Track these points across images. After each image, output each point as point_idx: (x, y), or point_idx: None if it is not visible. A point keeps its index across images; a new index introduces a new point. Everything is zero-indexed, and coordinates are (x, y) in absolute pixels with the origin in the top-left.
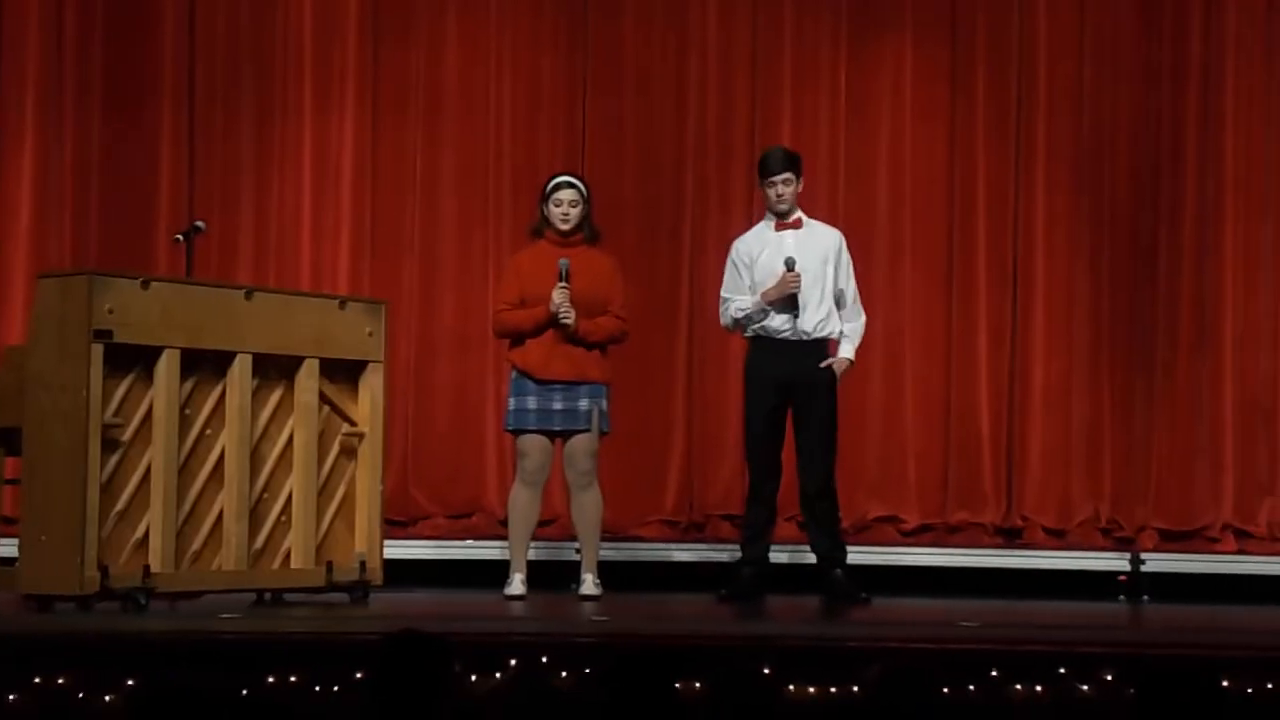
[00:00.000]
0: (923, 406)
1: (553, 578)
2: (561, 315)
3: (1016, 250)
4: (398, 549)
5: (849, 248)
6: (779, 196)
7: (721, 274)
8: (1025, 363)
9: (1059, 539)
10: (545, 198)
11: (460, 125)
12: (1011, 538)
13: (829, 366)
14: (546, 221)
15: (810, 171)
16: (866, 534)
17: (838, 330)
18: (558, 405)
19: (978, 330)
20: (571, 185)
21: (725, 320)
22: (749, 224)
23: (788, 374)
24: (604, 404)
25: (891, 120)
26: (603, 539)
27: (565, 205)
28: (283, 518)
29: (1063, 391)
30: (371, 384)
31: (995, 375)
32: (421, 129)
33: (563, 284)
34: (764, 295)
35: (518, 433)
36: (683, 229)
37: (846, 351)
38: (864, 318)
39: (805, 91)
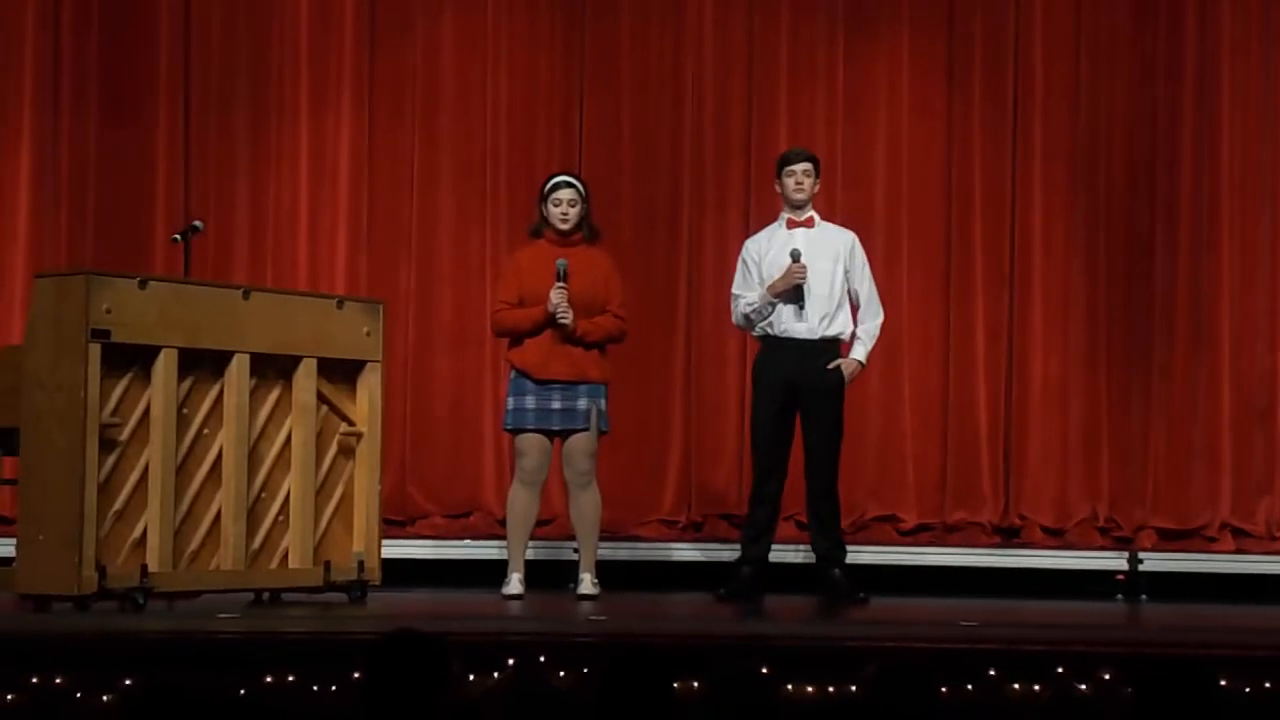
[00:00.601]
0: (921, 405)
1: (551, 577)
2: (559, 315)
3: (1014, 248)
4: (396, 548)
5: (864, 249)
6: (798, 185)
7: (719, 272)
8: (1023, 361)
9: (1057, 538)
10: (544, 197)
11: (457, 124)
12: (1009, 537)
13: (837, 368)
14: (546, 221)
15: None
16: (865, 533)
17: (848, 331)
18: (556, 405)
19: (975, 329)
20: (570, 185)
21: (736, 317)
22: (746, 222)
23: (795, 375)
24: (603, 403)
25: (888, 117)
26: (601, 538)
27: (564, 205)
28: (280, 517)
29: (1060, 390)
30: (369, 383)
31: (993, 374)
32: (418, 128)
33: (561, 284)
34: (770, 287)
35: (516, 432)
36: (680, 228)
37: (858, 353)
38: (881, 318)
39: (802, 89)
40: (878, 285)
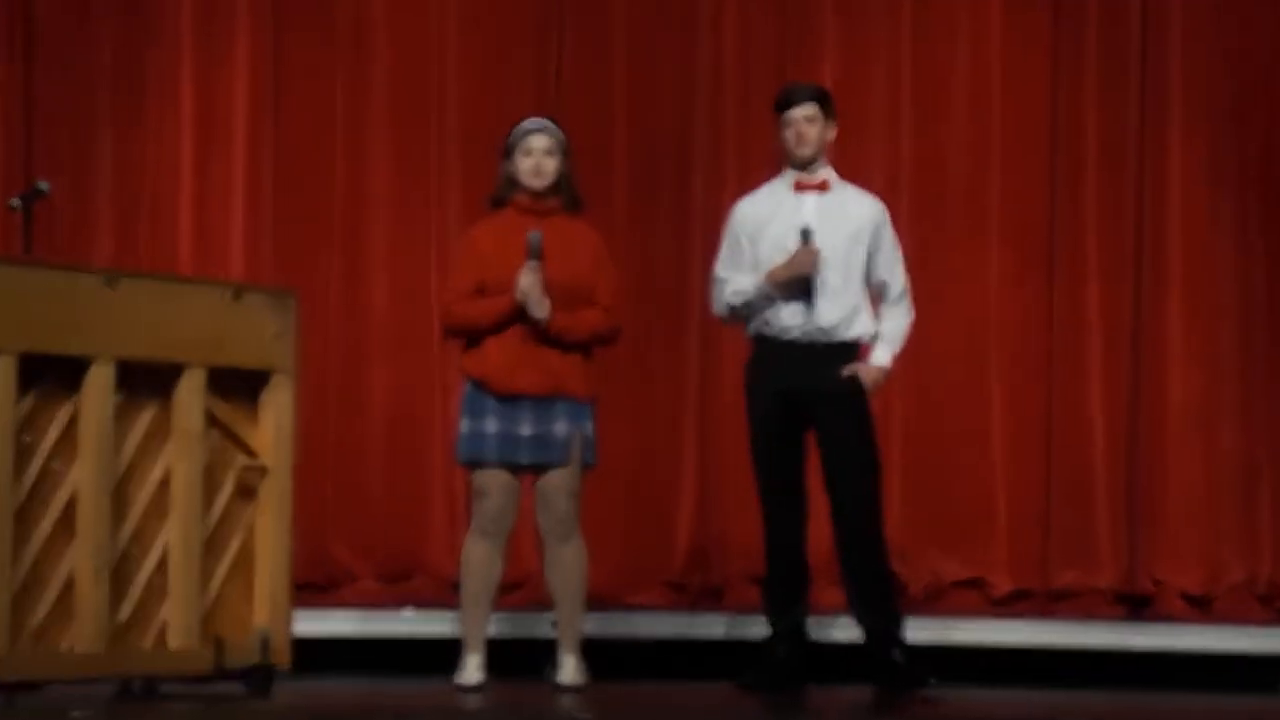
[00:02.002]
0: (1015, 431)
1: (521, 661)
2: (531, 305)
3: (1141, 222)
4: (312, 622)
5: (894, 225)
6: (799, 137)
7: None
8: (1154, 373)
9: (1202, 610)
10: (509, 151)
11: (395, 56)
12: (1137, 607)
13: (854, 374)
14: (512, 183)
15: (860, 120)
16: (942, 602)
17: (868, 332)
18: (526, 430)
19: (1089, 329)
20: (544, 131)
21: (718, 307)
22: None
23: (799, 386)
24: (588, 427)
25: (972, 47)
26: (588, 608)
27: (538, 155)
28: (156, 580)
29: (1205, 413)
30: (277, 402)
31: (1112, 390)
32: (342, 59)
33: (533, 263)
34: (770, 276)
35: (472, 465)
36: (690, 198)
37: (881, 357)
38: (911, 317)
39: (853, 11)
40: (956, 273)
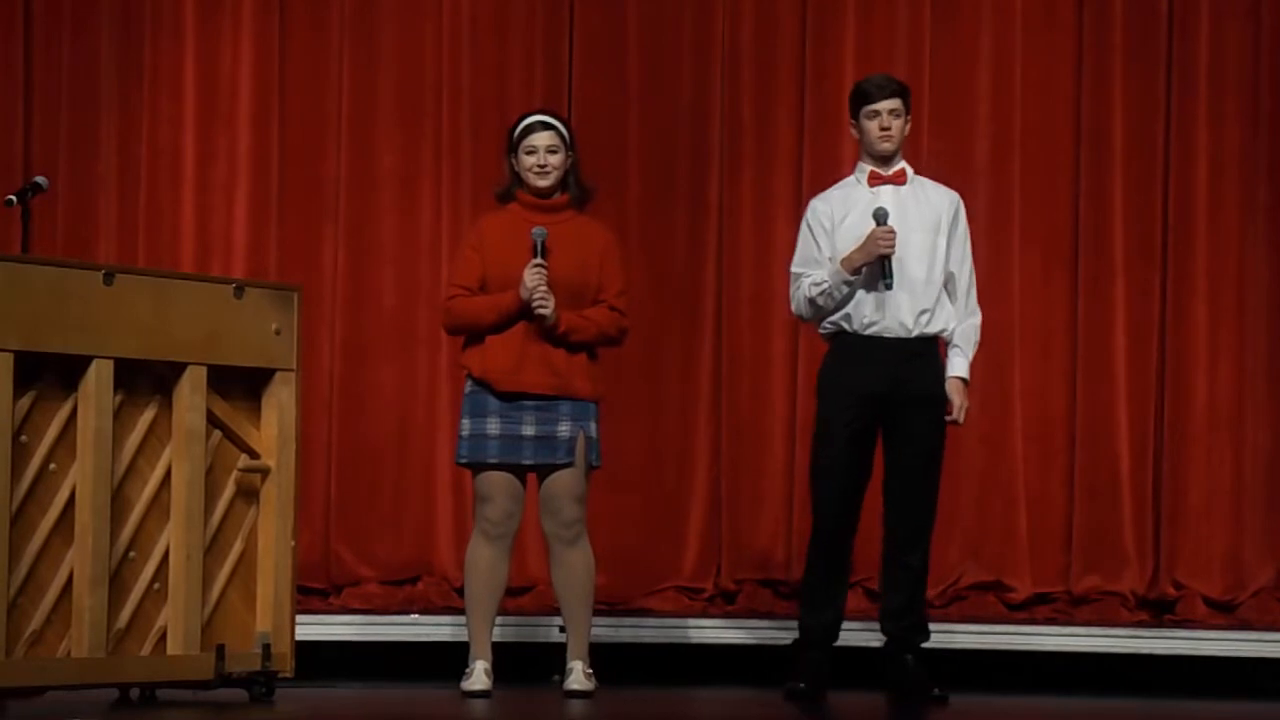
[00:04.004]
0: (1039, 432)
1: (528, 666)
2: (536, 303)
3: (1168, 215)
4: (315, 627)
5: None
6: (884, 131)
7: (761, 249)
8: (1180, 373)
9: (1227, 614)
10: (513, 147)
11: (401, 45)
12: (1161, 612)
13: (950, 410)
14: (518, 179)
15: None
16: (961, 606)
17: (951, 327)
18: (529, 430)
19: (1114, 327)
20: (548, 125)
21: (797, 303)
22: (798, 181)
23: (879, 385)
24: (593, 428)
25: (995, 31)
26: (597, 612)
27: (542, 153)
28: (156, 585)
29: (1233, 412)
30: (280, 400)
31: (1139, 389)
32: (348, 47)
33: (538, 260)
34: (846, 261)
35: (474, 467)
36: (708, 189)
37: (959, 368)
38: (979, 315)
39: (874, 1)
40: (980, 267)
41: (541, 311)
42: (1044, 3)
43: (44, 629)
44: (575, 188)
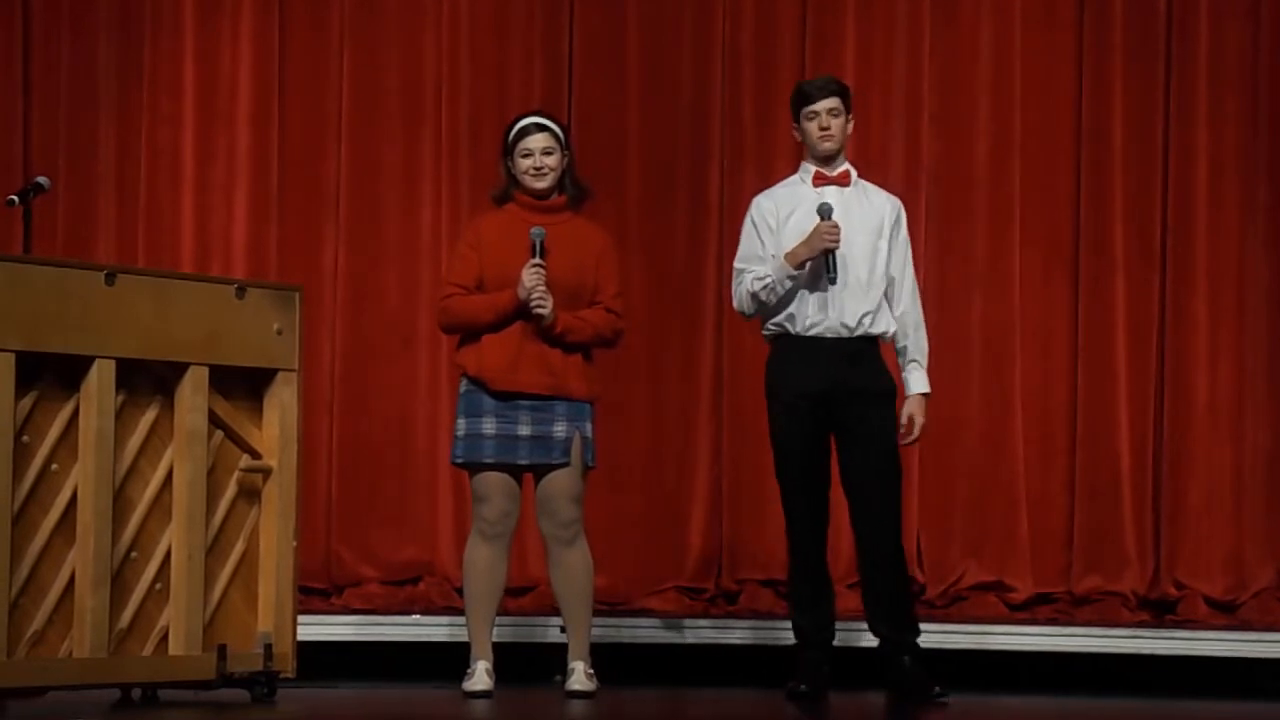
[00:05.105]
0: (1039, 432)
1: (530, 667)
2: (534, 303)
3: (1167, 213)
4: (317, 627)
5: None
6: (824, 131)
7: None
8: (1181, 372)
9: (1228, 614)
10: (509, 150)
11: (401, 41)
12: (1162, 613)
13: (907, 420)
14: (514, 182)
15: (881, 106)
16: (961, 607)
17: (891, 330)
18: (524, 430)
19: (1115, 326)
20: (543, 128)
21: (739, 299)
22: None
23: (824, 384)
24: (588, 428)
25: (995, 31)
26: (598, 613)
27: (537, 155)
28: (157, 585)
29: (1233, 412)
30: (281, 401)
31: (1139, 389)
32: (348, 47)
33: (536, 261)
34: (790, 255)
35: (469, 468)
36: (708, 189)
37: (919, 384)
38: (923, 323)
39: (874, 1)
40: (979, 266)
41: (540, 311)
42: (1044, 2)
43: (46, 629)
44: (571, 188)
